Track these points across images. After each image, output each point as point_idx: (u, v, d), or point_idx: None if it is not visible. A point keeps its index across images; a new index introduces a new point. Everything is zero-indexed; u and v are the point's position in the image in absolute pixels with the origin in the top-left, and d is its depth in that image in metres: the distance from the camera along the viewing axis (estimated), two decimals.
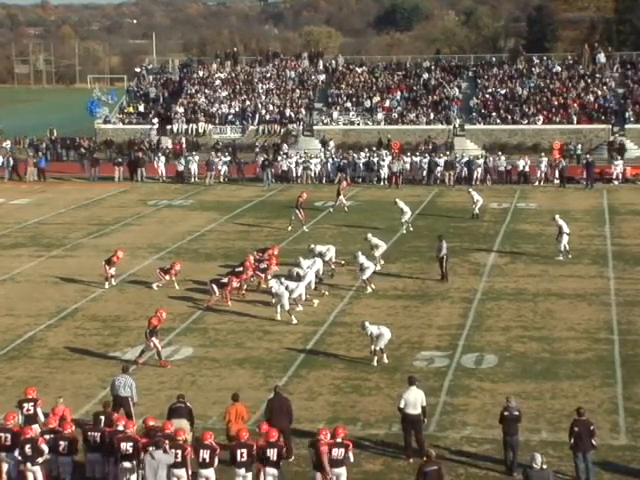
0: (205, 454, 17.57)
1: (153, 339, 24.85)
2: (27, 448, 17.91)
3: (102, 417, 19.07)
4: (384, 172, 54.15)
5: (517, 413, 19.13)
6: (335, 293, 31.45)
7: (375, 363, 24.67)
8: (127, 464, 17.80)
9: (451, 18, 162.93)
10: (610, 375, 23.86)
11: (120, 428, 18.27)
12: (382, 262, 34.23)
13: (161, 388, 23.35)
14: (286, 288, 28.71)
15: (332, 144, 61.09)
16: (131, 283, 33.18)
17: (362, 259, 31.58)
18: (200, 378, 24.11)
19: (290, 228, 41.07)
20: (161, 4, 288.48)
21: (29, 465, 17.95)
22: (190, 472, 17.68)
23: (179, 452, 17.53)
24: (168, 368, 24.68)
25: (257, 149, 60.32)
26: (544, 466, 16.60)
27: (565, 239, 35.51)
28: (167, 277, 32.20)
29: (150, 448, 17.42)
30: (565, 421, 20.10)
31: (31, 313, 29.80)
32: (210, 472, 17.61)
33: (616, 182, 52.97)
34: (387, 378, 23.84)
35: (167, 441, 17.54)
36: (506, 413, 19.06)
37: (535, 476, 16.51)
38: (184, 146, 62.65)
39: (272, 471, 17.66)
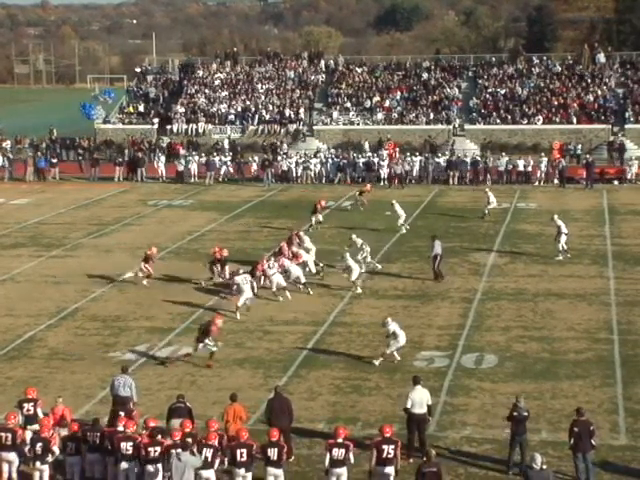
0: (208, 453, 17.52)
1: (206, 341, 24.76)
2: (38, 447, 17.95)
3: (121, 413, 19.14)
4: (384, 172, 54.19)
5: (526, 413, 19.09)
6: (335, 293, 31.46)
7: (377, 363, 24.63)
8: (127, 464, 17.79)
9: (451, 18, 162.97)
10: (610, 375, 23.85)
11: (120, 428, 18.27)
12: (371, 263, 34.11)
13: (161, 388, 23.34)
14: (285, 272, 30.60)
15: (367, 145, 60.59)
16: (131, 283, 33.14)
17: (350, 261, 31.64)
18: (200, 378, 24.09)
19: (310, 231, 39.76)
20: (161, 4, 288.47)
21: (38, 464, 17.98)
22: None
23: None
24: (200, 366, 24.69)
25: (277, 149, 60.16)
26: (544, 466, 16.59)
27: (564, 239, 35.53)
28: (149, 266, 32.31)
29: (177, 450, 17.32)
30: (565, 421, 20.09)
31: (31, 313, 29.78)
32: (210, 473, 17.56)
33: (616, 182, 52.99)
34: (387, 378, 23.84)
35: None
36: (515, 413, 19.03)
37: (535, 476, 16.49)
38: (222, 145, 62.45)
39: (274, 471, 17.66)
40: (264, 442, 17.88)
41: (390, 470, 17.52)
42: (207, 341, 24.72)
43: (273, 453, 17.61)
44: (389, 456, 17.49)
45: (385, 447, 17.52)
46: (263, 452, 17.67)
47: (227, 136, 64.89)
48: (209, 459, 17.48)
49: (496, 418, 21.20)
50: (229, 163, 56.83)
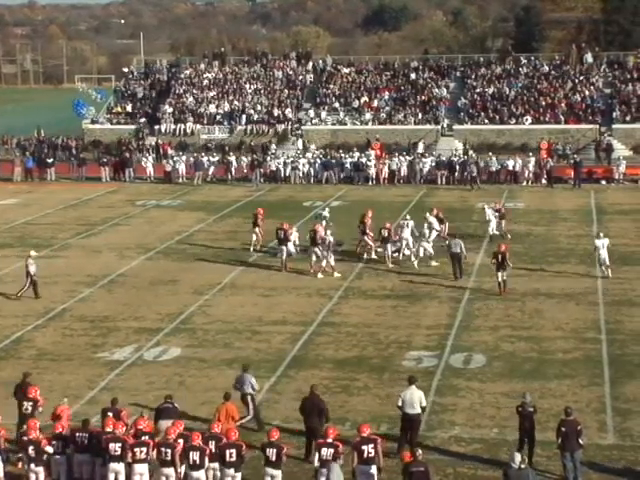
0: (195, 456, 17.51)
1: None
2: (30, 449, 17.88)
3: (110, 413, 19.07)
4: (372, 172, 54.25)
5: (531, 409, 19.09)
6: (324, 293, 31.46)
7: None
8: (115, 465, 17.75)
9: (439, 18, 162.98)
10: (598, 374, 23.92)
11: (108, 429, 18.23)
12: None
13: (149, 389, 23.29)
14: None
15: (421, 146, 60.09)
16: (119, 284, 33.11)
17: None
18: (188, 378, 24.06)
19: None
20: (149, 4, 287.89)
21: (32, 466, 17.91)
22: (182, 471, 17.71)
23: (168, 451, 17.55)
24: None
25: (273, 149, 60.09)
26: (522, 465, 16.62)
27: (434, 235, 35.72)
28: None
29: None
30: (553, 420, 20.10)
31: (19, 313, 29.70)
32: (200, 474, 17.54)
33: (604, 182, 53.15)
34: (375, 378, 23.85)
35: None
36: (520, 409, 19.07)
37: (514, 475, 16.54)
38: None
39: (271, 471, 17.63)
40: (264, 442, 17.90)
41: (373, 469, 17.53)
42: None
43: (272, 453, 17.59)
44: (370, 455, 17.50)
45: (365, 447, 17.53)
46: (263, 452, 17.66)
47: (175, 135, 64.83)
48: (197, 461, 17.47)
49: (484, 418, 21.25)
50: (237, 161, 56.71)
